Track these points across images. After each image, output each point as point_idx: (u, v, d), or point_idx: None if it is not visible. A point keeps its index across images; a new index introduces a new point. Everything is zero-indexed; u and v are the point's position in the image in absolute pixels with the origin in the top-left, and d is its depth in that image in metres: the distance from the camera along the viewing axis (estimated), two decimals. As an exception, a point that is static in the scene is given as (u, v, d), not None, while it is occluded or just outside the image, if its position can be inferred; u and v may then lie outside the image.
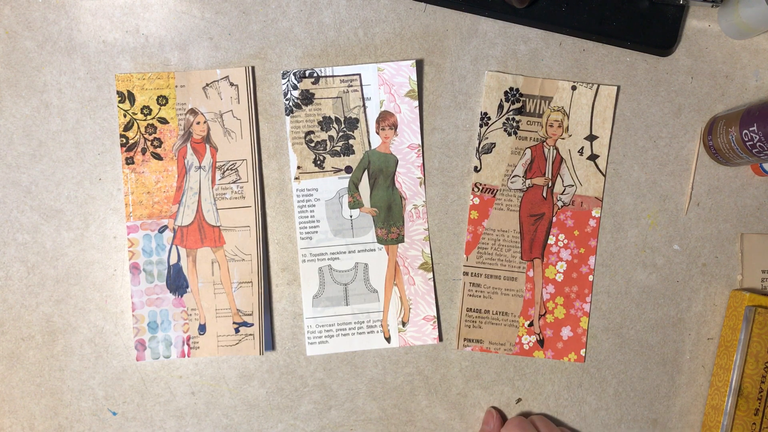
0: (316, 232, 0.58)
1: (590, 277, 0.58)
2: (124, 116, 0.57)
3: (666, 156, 0.59)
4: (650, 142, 0.59)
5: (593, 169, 0.58)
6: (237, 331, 0.56)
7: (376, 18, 0.58)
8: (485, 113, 0.58)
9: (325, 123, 0.57)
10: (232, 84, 0.57)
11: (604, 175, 0.58)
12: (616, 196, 0.58)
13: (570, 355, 0.58)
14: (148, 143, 0.57)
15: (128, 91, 0.57)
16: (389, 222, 0.58)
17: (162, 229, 0.57)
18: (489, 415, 0.57)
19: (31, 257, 0.57)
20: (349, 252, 0.58)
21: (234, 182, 0.57)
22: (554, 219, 0.58)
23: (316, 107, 0.57)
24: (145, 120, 0.57)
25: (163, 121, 0.57)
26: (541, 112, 0.58)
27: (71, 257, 0.57)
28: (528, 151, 0.58)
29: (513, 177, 0.58)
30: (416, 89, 0.57)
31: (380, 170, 0.58)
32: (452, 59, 0.58)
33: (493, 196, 0.58)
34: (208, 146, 0.57)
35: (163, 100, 0.57)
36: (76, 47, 0.57)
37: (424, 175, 0.58)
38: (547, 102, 0.58)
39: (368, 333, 0.58)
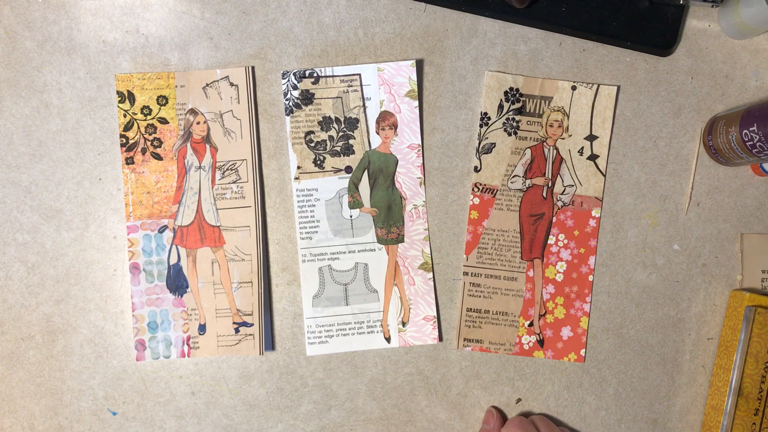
0: (316, 232, 0.58)
1: (590, 277, 0.58)
2: (124, 116, 0.57)
3: (666, 156, 0.59)
4: (650, 142, 0.59)
5: (593, 169, 0.58)
6: (237, 331, 0.56)
7: (376, 18, 0.58)
8: (485, 113, 0.58)
9: (325, 123, 0.57)
10: (232, 84, 0.57)
11: (604, 175, 0.58)
12: (616, 196, 0.58)
13: (570, 355, 0.58)
14: (148, 143, 0.57)
15: (128, 91, 0.57)
16: (389, 222, 0.58)
17: (162, 229, 0.57)
18: (489, 414, 0.57)
19: (31, 257, 0.57)
20: (349, 252, 0.58)
21: (234, 182, 0.57)
22: (554, 219, 0.58)
23: (316, 107, 0.57)
24: (145, 120, 0.57)
25: (163, 121, 0.57)
26: (541, 112, 0.58)
27: (71, 257, 0.57)
28: (528, 151, 0.58)
29: (513, 177, 0.58)
30: (416, 89, 0.57)
31: (380, 170, 0.58)
32: (452, 59, 0.58)
33: (493, 196, 0.58)
34: (208, 146, 0.57)
35: (163, 100, 0.57)
36: (76, 47, 0.57)
37: (424, 175, 0.58)
38: (547, 102, 0.58)
39: (368, 333, 0.58)
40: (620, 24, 0.57)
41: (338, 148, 0.58)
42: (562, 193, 0.58)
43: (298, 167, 0.58)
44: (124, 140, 0.57)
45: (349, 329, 0.58)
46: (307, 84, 0.57)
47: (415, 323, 0.58)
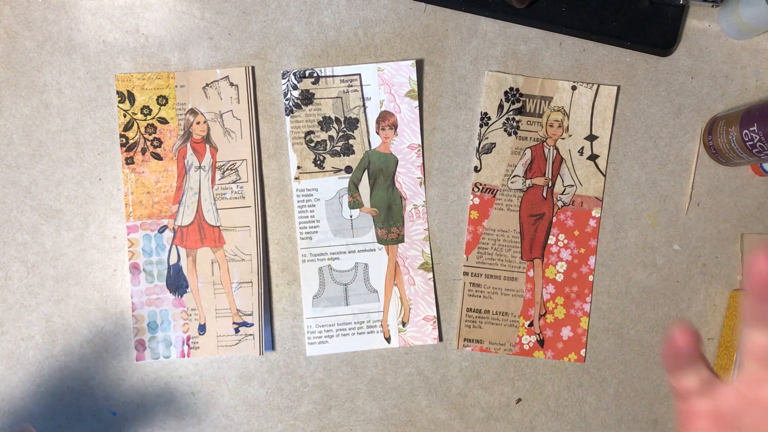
0: (316, 232, 0.58)
1: (590, 277, 0.58)
2: (124, 116, 0.57)
3: (666, 156, 0.59)
4: (650, 142, 0.59)
5: (593, 169, 0.58)
6: (237, 331, 0.56)
7: (376, 18, 0.58)
8: (485, 113, 0.58)
9: (325, 123, 0.57)
10: (232, 84, 0.57)
11: (604, 175, 0.58)
12: (616, 196, 0.58)
13: (570, 355, 0.58)
14: (148, 143, 0.57)
15: (128, 91, 0.57)
16: (389, 222, 0.58)
17: (162, 229, 0.57)
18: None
19: (31, 257, 0.57)
20: (349, 252, 0.58)
21: (234, 182, 0.57)
22: (554, 219, 0.58)
23: (316, 107, 0.57)
24: (145, 120, 0.57)
25: (163, 121, 0.57)
26: (541, 112, 0.58)
27: (71, 257, 0.57)
28: (528, 151, 0.58)
29: (513, 177, 0.58)
30: (416, 89, 0.57)
31: (380, 170, 0.58)
32: (452, 59, 0.58)
33: (493, 196, 0.58)
34: (208, 146, 0.57)
35: (163, 100, 0.57)
36: (76, 47, 0.57)
37: (424, 175, 0.58)
38: (547, 102, 0.58)
39: (368, 333, 0.58)
40: (620, 24, 0.57)
41: (338, 148, 0.58)
42: (562, 193, 0.58)
43: (298, 167, 0.58)
44: (124, 140, 0.57)
45: (349, 329, 0.58)
46: (307, 84, 0.57)
47: (415, 323, 0.58)
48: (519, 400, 0.59)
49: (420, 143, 0.58)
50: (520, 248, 0.58)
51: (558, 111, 0.58)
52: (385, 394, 0.58)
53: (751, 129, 0.51)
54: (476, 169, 0.58)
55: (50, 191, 0.57)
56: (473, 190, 0.58)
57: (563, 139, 0.58)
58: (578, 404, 0.59)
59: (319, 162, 0.58)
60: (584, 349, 0.58)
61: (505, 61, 0.58)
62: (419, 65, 0.58)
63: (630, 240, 0.58)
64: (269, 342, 0.58)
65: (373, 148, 0.58)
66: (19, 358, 0.57)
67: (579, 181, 0.58)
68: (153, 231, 0.57)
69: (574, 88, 0.58)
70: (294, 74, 0.57)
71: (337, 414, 0.58)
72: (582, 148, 0.58)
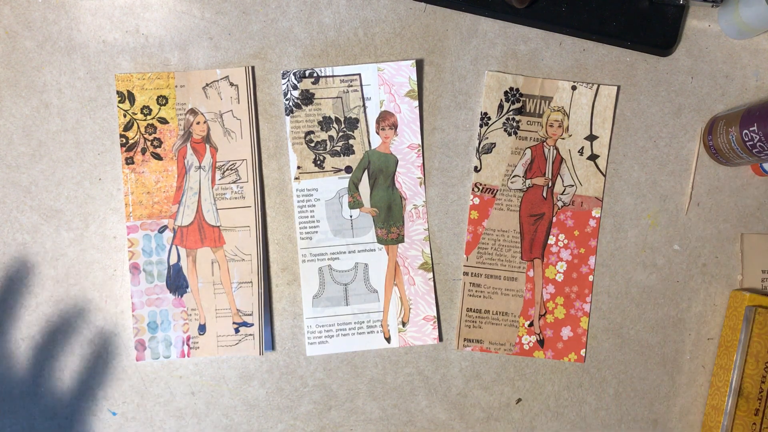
0: (316, 232, 0.58)
1: (590, 277, 0.58)
2: (124, 116, 0.57)
3: (666, 156, 0.59)
4: (650, 142, 0.59)
5: (593, 169, 0.58)
6: (237, 331, 0.56)
7: (376, 18, 0.58)
8: (485, 113, 0.58)
9: (325, 123, 0.57)
10: (232, 84, 0.57)
11: (604, 175, 0.58)
12: (616, 196, 0.58)
13: (570, 355, 0.58)
14: (148, 143, 0.57)
15: (128, 91, 0.57)
16: (389, 222, 0.58)
17: (162, 229, 0.57)
18: None
19: (31, 257, 0.57)
20: (349, 252, 0.58)
21: (234, 182, 0.57)
22: (554, 219, 0.58)
23: (316, 107, 0.57)
24: (145, 120, 0.57)
25: (163, 121, 0.57)
26: (541, 112, 0.58)
27: (71, 257, 0.57)
28: (528, 151, 0.58)
29: (513, 177, 0.58)
30: (416, 89, 0.57)
31: (380, 170, 0.58)
32: (452, 59, 0.58)
33: (493, 196, 0.58)
34: (208, 146, 0.57)
35: (163, 100, 0.57)
36: (76, 47, 0.57)
37: (424, 175, 0.58)
38: (547, 102, 0.58)
39: (368, 333, 0.58)
40: (620, 24, 0.57)
41: (338, 148, 0.58)
42: (562, 193, 0.58)
43: (298, 167, 0.58)
44: (124, 140, 0.57)
45: (349, 329, 0.58)
46: (307, 84, 0.57)
47: (415, 323, 0.58)
48: (519, 400, 0.59)
49: (420, 143, 0.58)
50: (520, 248, 0.58)
51: (558, 111, 0.58)
52: (385, 394, 0.58)
53: (751, 129, 0.51)
54: (476, 169, 0.58)
55: (50, 191, 0.57)
56: (473, 190, 0.58)
57: (563, 139, 0.58)
58: (578, 404, 0.59)
59: (319, 162, 0.58)
60: (584, 349, 0.58)
61: (505, 61, 0.58)
62: (419, 65, 0.58)
63: (630, 240, 0.58)
64: (269, 342, 0.58)
65: (373, 148, 0.58)
66: (19, 358, 0.57)
67: (579, 181, 0.58)
68: (153, 231, 0.57)
69: (574, 88, 0.58)
70: (294, 74, 0.57)
71: (337, 414, 0.58)
72: (582, 148, 0.58)
